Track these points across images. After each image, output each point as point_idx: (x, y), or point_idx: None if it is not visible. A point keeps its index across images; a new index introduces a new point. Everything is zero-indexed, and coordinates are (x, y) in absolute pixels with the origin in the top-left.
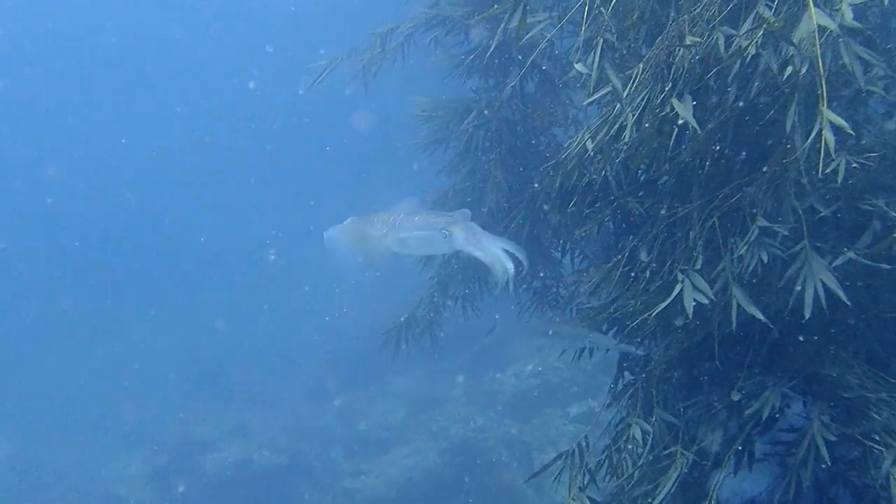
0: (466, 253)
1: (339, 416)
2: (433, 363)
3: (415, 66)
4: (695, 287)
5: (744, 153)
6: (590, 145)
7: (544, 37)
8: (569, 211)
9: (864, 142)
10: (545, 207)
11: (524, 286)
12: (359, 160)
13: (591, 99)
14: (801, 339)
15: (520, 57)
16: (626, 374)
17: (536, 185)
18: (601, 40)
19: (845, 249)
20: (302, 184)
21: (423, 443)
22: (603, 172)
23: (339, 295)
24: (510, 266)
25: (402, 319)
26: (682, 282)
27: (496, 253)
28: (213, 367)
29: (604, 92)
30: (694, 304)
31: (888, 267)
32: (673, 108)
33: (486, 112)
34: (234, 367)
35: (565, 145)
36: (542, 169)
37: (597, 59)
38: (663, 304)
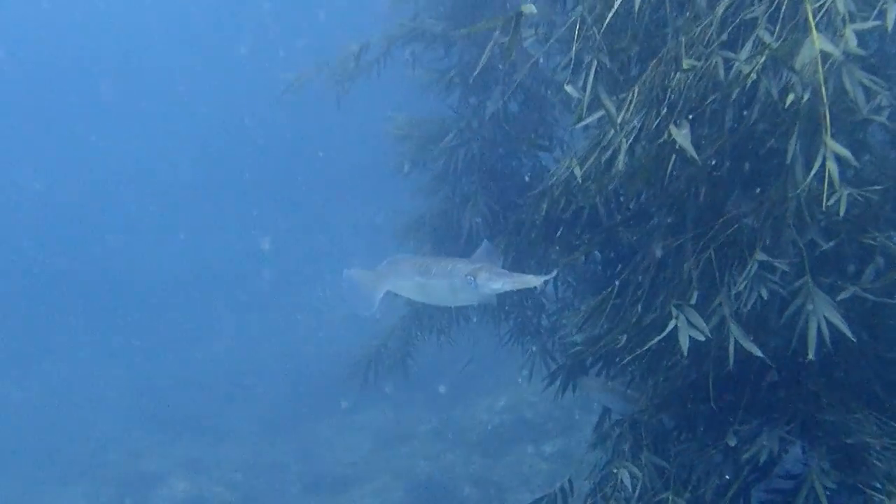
0: (492, 292)
1: (298, 451)
2: (401, 395)
3: (392, 81)
4: (690, 323)
5: (741, 182)
6: (578, 172)
7: (530, 55)
8: (555, 239)
9: (865, 173)
10: (532, 235)
11: (503, 316)
12: (335, 178)
13: (582, 123)
14: (800, 380)
15: (503, 75)
16: (613, 413)
17: (522, 212)
18: (594, 62)
19: (848, 285)
20: (266, 202)
21: (388, 481)
22: (592, 200)
23: (302, 321)
24: (537, 281)
25: (371, 349)
26: (677, 317)
27: (521, 278)
28: (164, 394)
29: (596, 116)
30: (689, 341)
31: (892, 302)
32: (670, 135)
33: (466, 132)
34: (186, 395)
35: (552, 171)
36: (527, 196)
37: (590, 81)
38: (656, 339)
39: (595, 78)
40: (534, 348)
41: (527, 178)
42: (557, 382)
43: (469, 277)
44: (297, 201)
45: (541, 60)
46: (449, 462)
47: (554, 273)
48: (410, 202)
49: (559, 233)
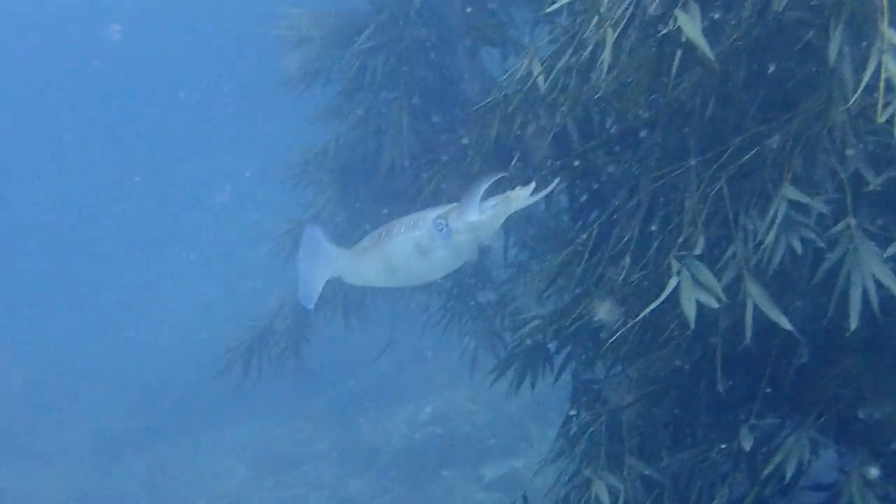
0: (475, 236)
1: (143, 481)
2: (289, 402)
3: None
4: (697, 282)
5: (764, 92)
6: (542, 80)
7: None
8: (509, 171)
9: None
10: (475, 167)
11: (434, 289)
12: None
13: (556, 5)
14: (836, 360)
15: None
16: (584, 411)
17: (462, 135)
18: None
19: None
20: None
21: None
22: (562, 119)
23: (148, 307)
24: (532, 196)
25: (252, 336)
26: (679, 273)
27: (508, 198)
28: None
29: None
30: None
31: None
32: (676, 23)
33: (387, 29)
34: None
35: (505, 75)
36: (470, 113)
37: None
38: (653, 305)
39: None
40: (475, 332)
41: (468, 93)
42: (509, 376)
43: (439, 221)
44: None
45: None
46: (353, 493)
47: (556, 183)
48: (308, 130)
49: (514, 162)
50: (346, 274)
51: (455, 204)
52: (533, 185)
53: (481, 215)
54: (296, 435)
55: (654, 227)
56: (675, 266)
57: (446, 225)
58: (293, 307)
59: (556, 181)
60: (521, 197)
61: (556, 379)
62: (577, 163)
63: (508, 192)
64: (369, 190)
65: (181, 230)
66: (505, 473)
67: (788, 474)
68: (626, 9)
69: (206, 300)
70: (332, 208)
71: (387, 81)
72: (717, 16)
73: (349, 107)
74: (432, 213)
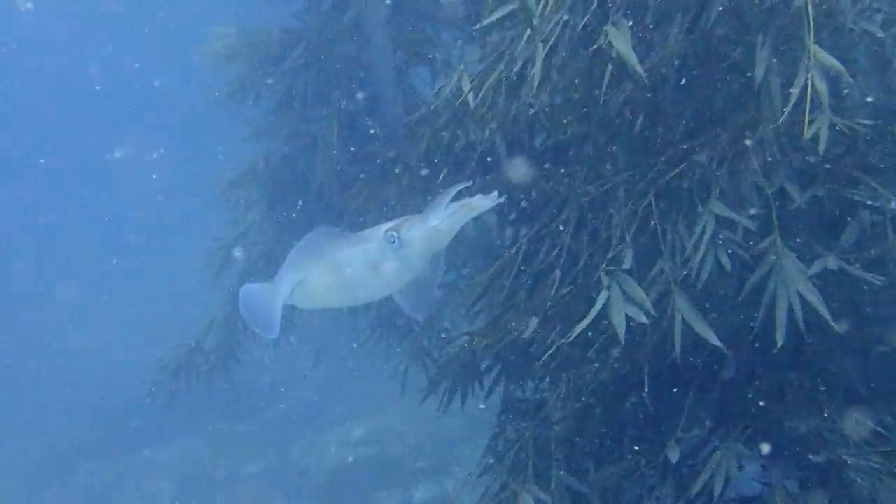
0: (428, 247)
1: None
2: (218, 423)
3: None
4: (626, 296)
5: (692, 107)
6: (471, 95)
7: None
8: (437, 185)
9: (849, 101)
10: (404, 181)
11: (361, 307)
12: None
13: (492, 18)
14: (761, 374)
15: None
16: (512, 426)
17: (391, 149)
18: None
19: (827, 253)
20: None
21: None
22: (492, 136)
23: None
24: (490, 202)
25: (180, 354)
26: (609, 288)
27: (465, 207)
28: None
29: (507, 9)
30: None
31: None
32: (607, 38)
33: (317, 47)
34: None
35: (434, 90)
36: (400, 127)
37: None
38: (584, 323)
39: None
40: (405, 351)
41: (397, 110)
42: (439, 394)
43: (390, 234)
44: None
45: None
46: None
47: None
48: (237, 148)
49: (442, 176)
50: (297, 299)
51: (405, 217)
52: (495, 193)
53: (440, 223)
54: (226, 456)
55: (583, 242)
56: (605, 280)
57: (398, 237)
58: (222, 326)
59: (503, 196)
60: (481, 206)
61: (488, 396)
62: (505, 178)
63: (469, 200)
64: (299, 208)
65: (109, 244)
66: (435, 495)
67: (717, 490)
68: (557, 24)
69: (132, 317)
70: (260, 226)
71: (317, 99)
72: (646, 31)
73: (279, 124)
74: (383, 227)
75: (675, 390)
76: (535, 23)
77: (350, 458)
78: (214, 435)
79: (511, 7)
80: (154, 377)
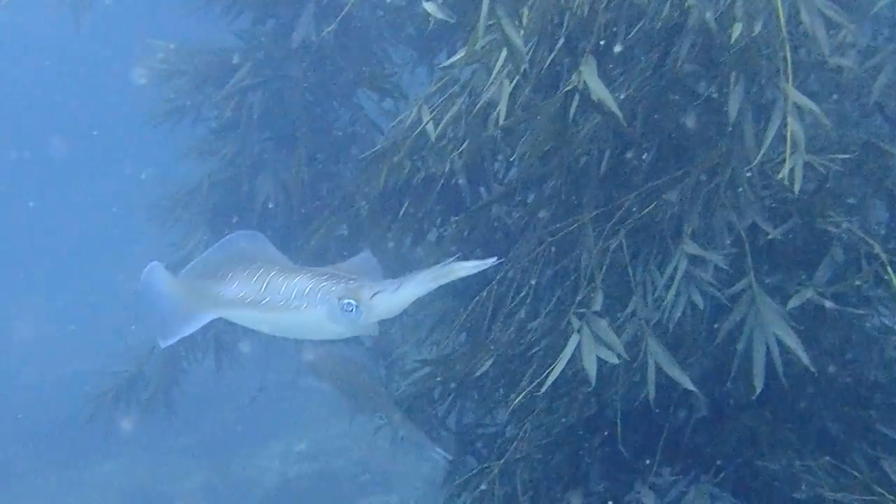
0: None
1: None
2: (159, 438)
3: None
4: (598, 338)
5: (661, 145)
6: (431, 128)
7: None
8: (398, 220)
9: (821, 138)
10: (363, 214)
11: None
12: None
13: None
14: (734, 414)
15: None
16: (472, 459)
17: (349, 182)
18: None
19: (800, 287)
20: None
21: None
22: (455, 172)
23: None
24: (468, 269)
25: (121, 379)
26: (580, 331)
27: (438, 274)
28: None
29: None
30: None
31: (855, 311)
32: (580, 76)
33: (264, 68)
34: None
35: (394, 123)
36: (358, 159)
37: None
38: (558, 371)
39: None
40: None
41: (340, 134)
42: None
43: (347, 303)
44: None
45: None
46: None
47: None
48: (177, 166)
49: (403, 210)
50: (224, 315)
51: (354, 278)
52: (479, 263)
53: (412, 289)
54: (166, 471)
55: (550, 283)
56: (576, 323)
57: (357, 306)
58: (163, 352)
59: (495, 258)
60: (460, 271)
61: (443, 422)
62: (468, 213)
63: (452, 265)
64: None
65: (42, 261)
66: None
67: None
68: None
69: (67, 334)
70: (203, 248)
71: (262, 121)
72: (613, 68)
73: (222, 145)
74: (336, 288)
75: (644, 430)
76: (522, 61)
77: (293, 472)
78: (155, 449)
79: (488, 38)
80: (93, 404)
